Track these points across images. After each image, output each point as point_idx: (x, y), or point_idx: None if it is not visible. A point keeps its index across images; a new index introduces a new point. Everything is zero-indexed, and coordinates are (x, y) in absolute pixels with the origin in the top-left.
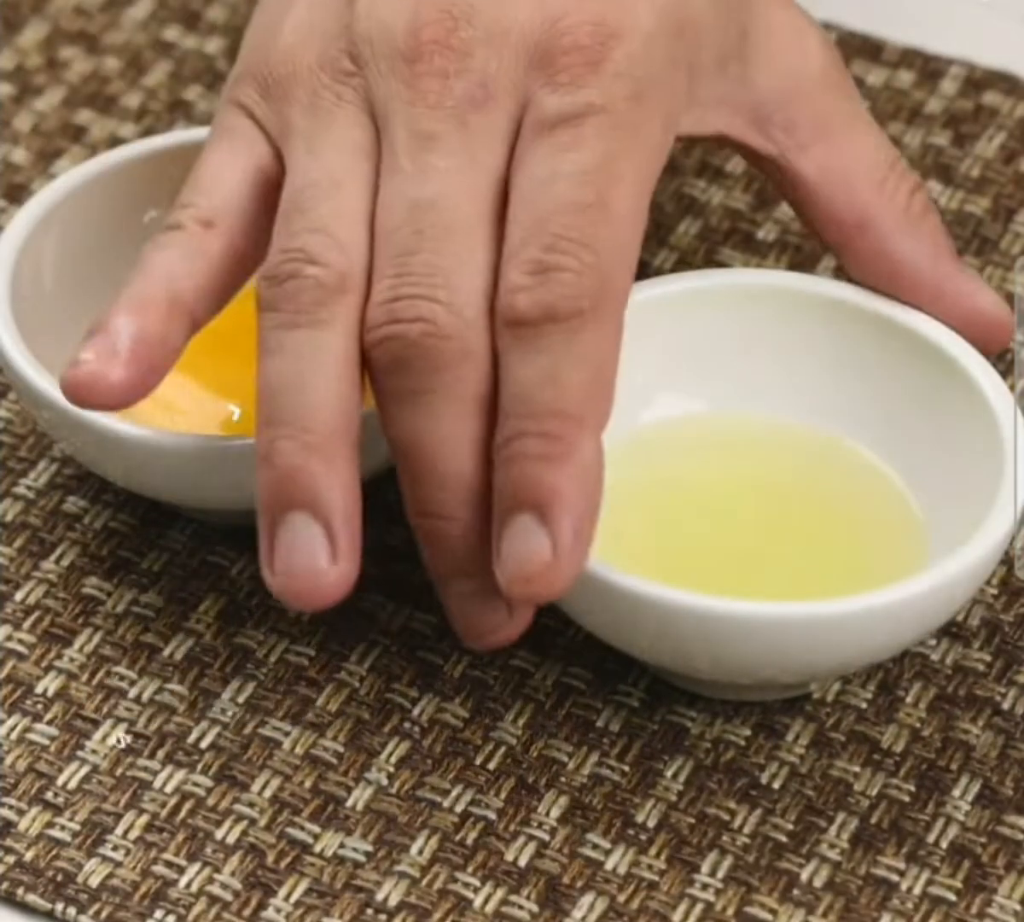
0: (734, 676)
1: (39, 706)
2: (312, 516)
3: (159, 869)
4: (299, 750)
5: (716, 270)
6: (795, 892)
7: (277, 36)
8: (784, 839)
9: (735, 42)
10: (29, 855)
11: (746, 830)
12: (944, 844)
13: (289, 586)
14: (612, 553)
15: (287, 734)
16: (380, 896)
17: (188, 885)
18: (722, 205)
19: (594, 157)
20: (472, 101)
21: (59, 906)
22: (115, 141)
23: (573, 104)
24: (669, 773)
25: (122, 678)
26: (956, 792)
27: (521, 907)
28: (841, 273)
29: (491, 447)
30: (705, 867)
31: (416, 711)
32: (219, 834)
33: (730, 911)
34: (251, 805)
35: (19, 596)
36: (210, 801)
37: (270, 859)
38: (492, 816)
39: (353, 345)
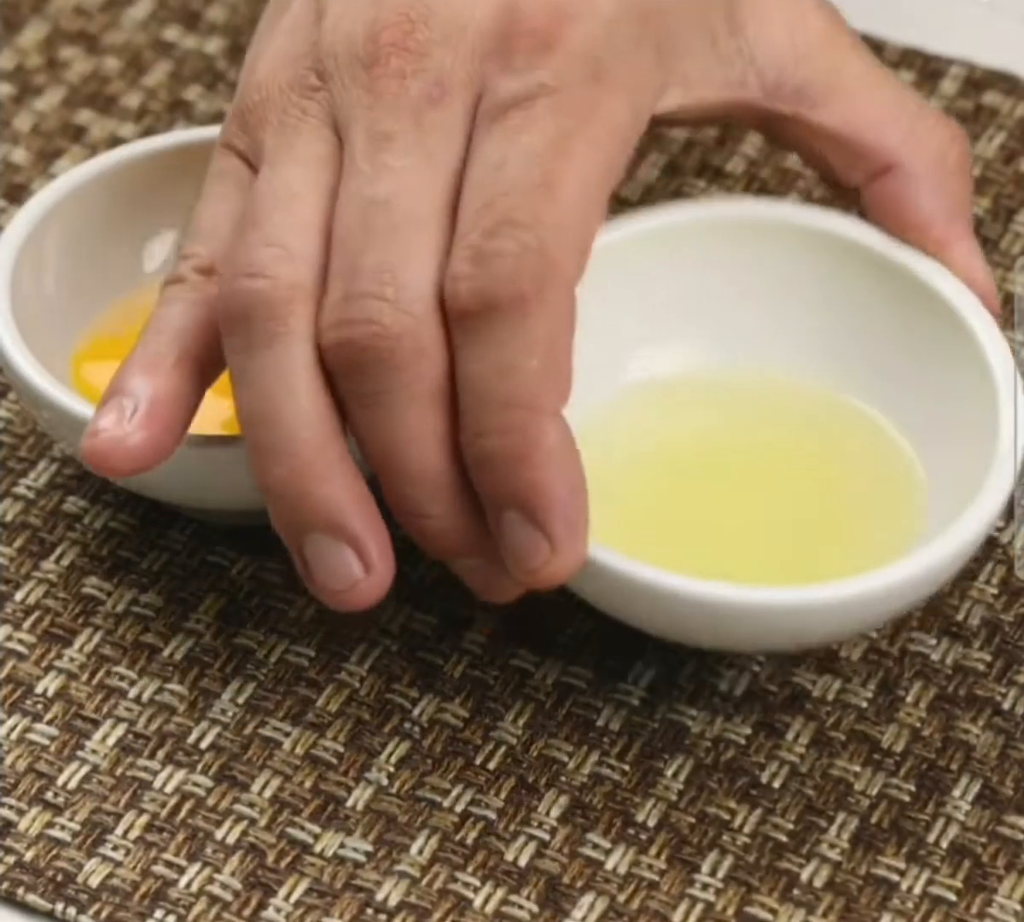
0: (732, 648)
1: (39, 706)
2: (330, 535)
3: (159, 869)
4: (299, 750)
5: (691, 202)
6: (795, 892)
7: (255, 69)
8: (784, 839)
9: (721, 19)
10: (29, 855)
11: (746, 830)
12: (944, 844)
13: (334, 600)
14: (601, 519)
15: (287, 734)
16: (380, 896)
17: (188, 885)
18: None
19: (544, 138)
20: (429, 99)
21: (59, 906)
22: (115, 141)
23: (525, 86)
24: (669, 772)
25: (122, 678)
26: (956, 792)
27: (521, 907)
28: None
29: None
30: (705, 867)
31: (416, 711)
32: (219, 834)
33: (730, 911)
34: (251, 805)
35: (19, 596)
36: (210, 801)
37: (270, 859)
38: (492, 816)
39: (315, 353)
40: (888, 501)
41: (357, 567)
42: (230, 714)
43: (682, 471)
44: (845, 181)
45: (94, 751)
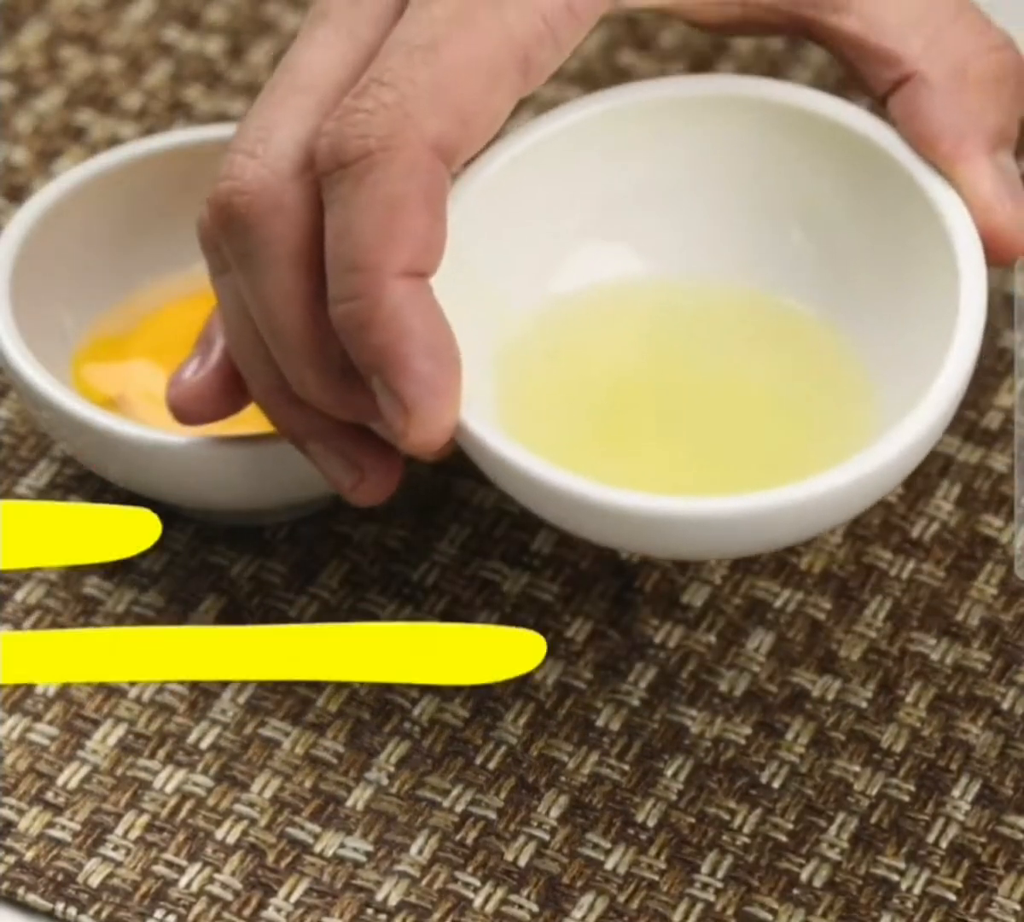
0: (683, 558)
1: (39, 706)
2: (319, 444)
3: (159, 869)
4: (299, 750)
5: (633, 84)
6: (795, 892)
7: None
8: (784, 839)
9: None
10: (29, 855)
11: (746, 830)
12: (944, 844)
13: (350, 497)
14: (535, 433)
15: (287, 734)
16: (380, 896)
17: (188, 885)
18: None
19: (449, 8)
20: None
21: (59, 906)
22: (115, 141)
23: None
24: (669, 772)
25: None
26: (956, 792)
27: (521, 907)
28: None
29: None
30: (705, 867)
31: (416, 711)
32: (219, 834)
33: (730, 911)
34: (251, 805)
35: (19, 596)
36: (210, 801)
37: (270, 859)
38: (492, 816)
39: None
40: (836, 408)
41: (346, 475)
42: (230, 714)
43: (615, 387)
44: (872, 90)
45: (94, 751)
